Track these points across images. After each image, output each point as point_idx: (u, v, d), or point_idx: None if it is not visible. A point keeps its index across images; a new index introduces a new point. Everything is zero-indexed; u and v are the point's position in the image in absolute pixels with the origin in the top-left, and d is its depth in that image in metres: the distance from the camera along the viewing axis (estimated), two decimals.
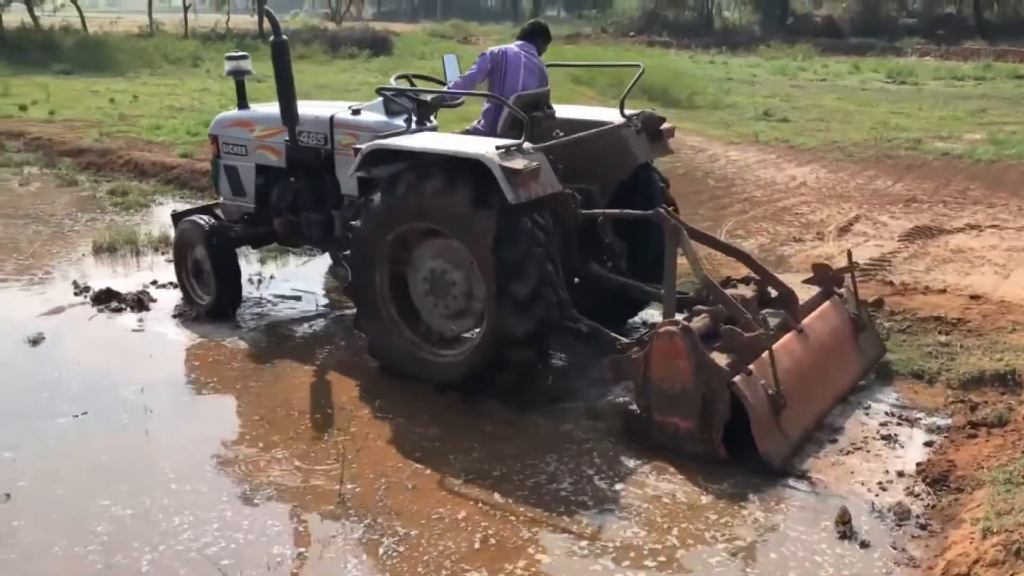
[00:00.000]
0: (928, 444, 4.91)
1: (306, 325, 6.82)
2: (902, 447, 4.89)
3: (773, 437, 4.63)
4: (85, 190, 11.28)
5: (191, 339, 6.48)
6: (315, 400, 5.49)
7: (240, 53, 7.25)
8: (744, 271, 5.90)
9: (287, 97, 6.28)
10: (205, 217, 6.96)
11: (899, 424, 5.14)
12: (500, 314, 5.13)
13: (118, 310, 6.94)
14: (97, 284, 7.38)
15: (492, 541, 4.04)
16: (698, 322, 4.99)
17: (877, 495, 4.38)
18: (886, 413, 5.27)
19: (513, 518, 4.23)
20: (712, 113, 17.77)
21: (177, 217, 7.37)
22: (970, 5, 45.99)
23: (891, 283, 7.14)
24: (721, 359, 4.72)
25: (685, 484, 4.51)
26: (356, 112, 6.42)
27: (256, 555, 3.91)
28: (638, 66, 6.63)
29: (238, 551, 3.94)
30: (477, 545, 4.00)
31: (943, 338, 6.19)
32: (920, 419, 5.21)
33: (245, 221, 7.18)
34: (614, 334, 5.34)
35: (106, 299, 7.06)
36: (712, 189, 10.90)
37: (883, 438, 4.97)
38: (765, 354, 4.72)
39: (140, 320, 6.80)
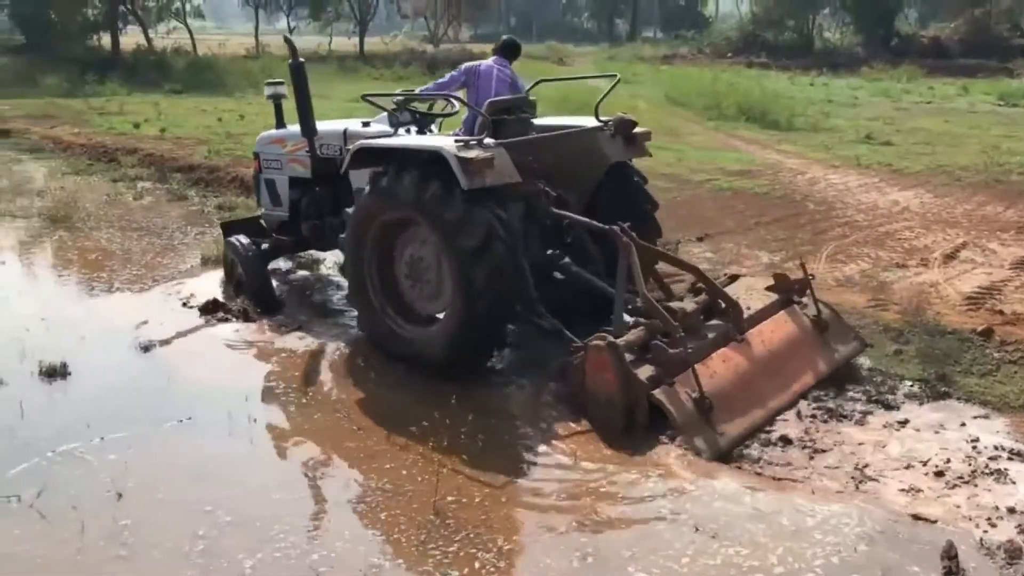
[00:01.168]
0: None
1: None
2: (1013, 483, 4.68)
3: (702, 434, 5.02)
4: (194, 205, 11.71)
5: (295, 350, 6.65)
6: (413, 411, 5.55)
7: (278, 80, 7.97)
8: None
9: (305, 113, 7.02)
10: (244, 240, 7.65)
11: (1010, 459, 4.93)
12: (458, 269, 5.69)
13: (224, 320, 7.18)
14: (204, 295, 7.65)
15: (591, 559, 4.04)
16: (633, 335, 5.44)
17: (986, 531, 4.21)
18: (996, 447, 5.06)
19: (615, 534, 4.22)
20: (812, 136, 17.45)
21: (225, 227, 8.30)
22: None
23: (1001, 312, 6.89)
24: (646, 371, 5.20)
25: (789, 506, 4.42)
26: (366, 124, 7.14)
27: (353, 564, 3.98)
28: (615, 76, 7.11)
29: (336, 559, 4.02)
30: (575, 563, 4.00)
31: None
32: None
33: (280, 231, 7.90)
34: (570, 335, 5.73)
35: (213, 310, 7.30)
36: (811, 213, 10.69)
37: (992, 473, 4.77)
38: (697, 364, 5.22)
39: (245, 331, 7.01)
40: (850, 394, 5.73)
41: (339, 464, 4.93)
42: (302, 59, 7.02)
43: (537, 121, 6.80)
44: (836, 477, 4.73)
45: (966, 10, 44.02)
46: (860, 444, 5.10)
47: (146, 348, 6.57)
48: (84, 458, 4.94)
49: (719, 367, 5.43)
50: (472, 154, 5.54)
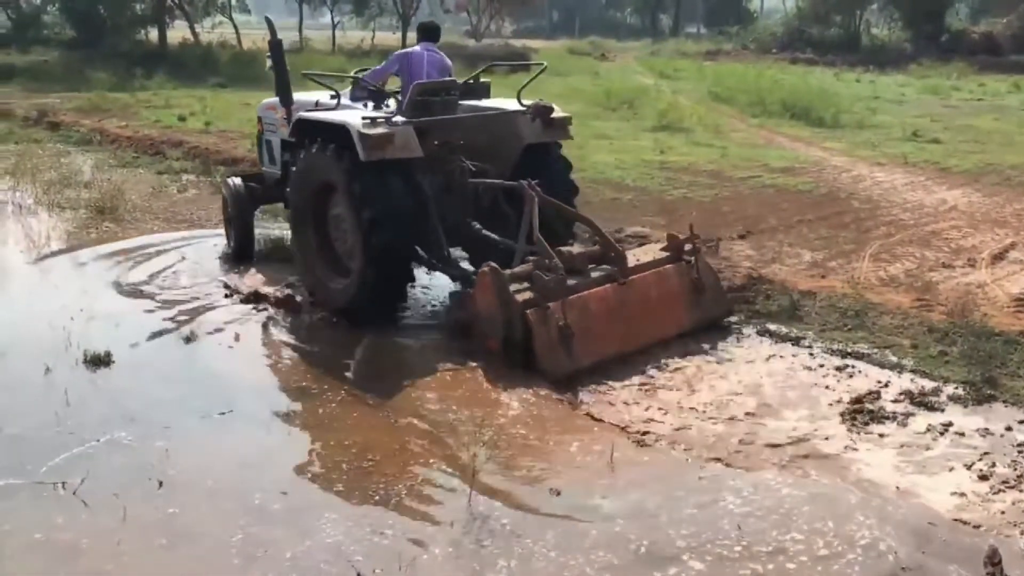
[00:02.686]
0: None
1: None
2: None
3: (555, 358, 5.86)
4: None
5: (336, 342, 6.70)
6: (452, 408, 5.56)
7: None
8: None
9: (283, 85, 7.91)
10: (237, 182, 8.76)
11: None
12: (357, 236, 6.67)
13: (266, 311, 7.24)
14: (247, 286, 7.73)
15: (643, 551, 4.05)
16: (520, 268, 6.27)
17: None
18: None
19: (667, 527, 4.22)
20: (857, 133, 17.19)
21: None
22: None
23: None
24: (524, 295, 6.00)
25: (828, 507, 4.36)
26: (335, 97, 7.46)
27: (390, 558, 3.99)
28: (542, 64, 8.32)
29: (373, 553, 4.04)
30: (628, 557, 4.00)
31: None
32: None
33: (274, 186, 8.60)
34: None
35: (255, 301, 7.39)
36: (856, 211, 10.55)
37: None
38: (573, 296, 6.07)
39: (286, 322, 7.07)
40: (892, 395, 5.65)
41: (377, 458, 4.93)
42: (280, 38, 8.08)
43: (467, 102, 7.54)
44: (877, 479, 4.66)
45: (1019, 5, 43.00)
46: (902, 446, 5.03)
47: (188, 339, 6.65)
48: (127, 447, 5.02)
49: (594, 303, 6.23)
50: (372, 131, 6.40)
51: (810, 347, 6.50)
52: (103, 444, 5.02)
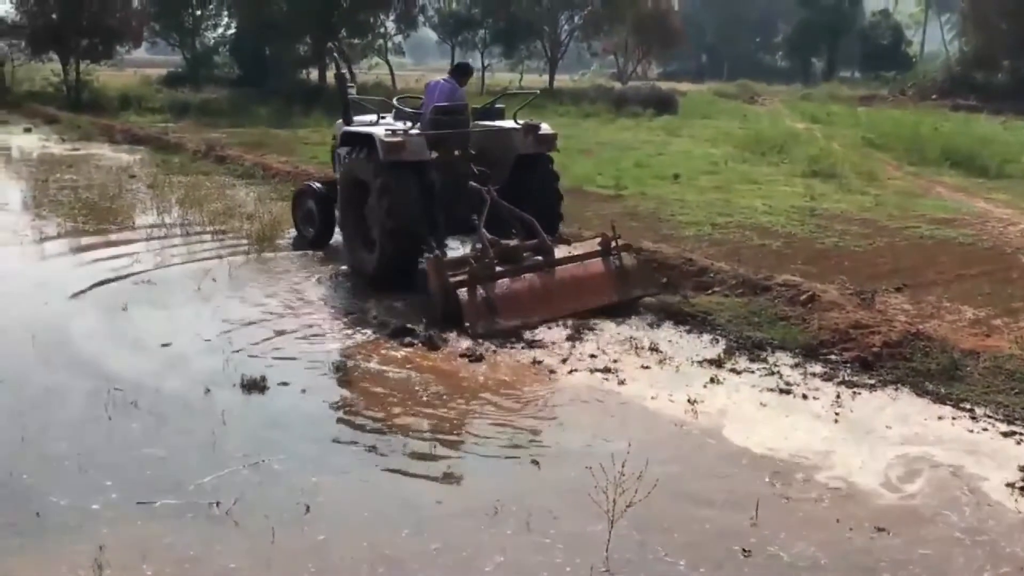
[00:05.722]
0: None
1: (596, 371, 6.87)
2: None
3: (480, 320, 7.61)
4: None
5: (477, 379, 6.77)
6: (588, 451, 5.50)
7: (351, 83, 10.75)
8: None
9: (346, 108, 9.89)
10: (317, 184, 10.98)
11: None
12: (378, 220, 8.76)
13: (410, 345, 7.40)
14: (395, 320, 7.93)
15: None
16: (460, 256, 8.44)
17: None
18: None
19: None
20: None
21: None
22: None
23: None
24: (458, 278, 7.78)
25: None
26: (383, 118, 9.51)
27: None
28: (536, 92, 11.68)
29: None
30: None
31: None
32: None
33: None
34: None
35: (401, 335, 7.56)
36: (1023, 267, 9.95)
37: None
38: (501, 279, 7.98)
39: (431, 357, 7.18)
40: None
41: (520, 501, 4.90)
42: (344, 71, 10.56)
43: (482, 122, 9.80)
44: None
45: None
46: None
47: (337, 368, 6.86)
48: (277, 472, 5.20)
49: (520, 284, 8.08)
50: (390, 139, 8.50)
51: (972, 410, 6.15)
52: (255, 467, 5.22)
